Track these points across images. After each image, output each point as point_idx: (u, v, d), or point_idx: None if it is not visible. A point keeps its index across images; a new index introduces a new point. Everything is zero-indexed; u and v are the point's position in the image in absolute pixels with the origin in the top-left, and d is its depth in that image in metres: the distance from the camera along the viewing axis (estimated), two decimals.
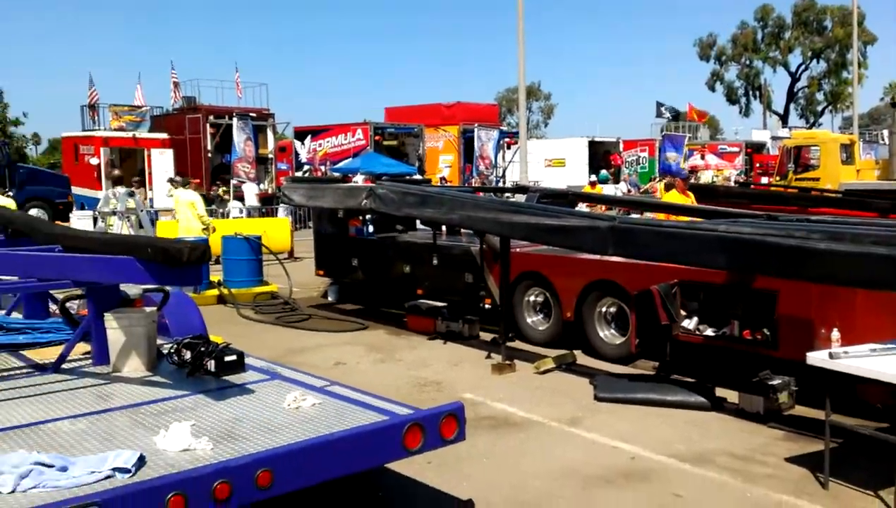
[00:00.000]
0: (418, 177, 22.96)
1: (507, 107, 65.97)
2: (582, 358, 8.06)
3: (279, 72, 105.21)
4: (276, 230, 16.27)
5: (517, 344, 8.63)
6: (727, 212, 9.17)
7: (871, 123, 52.26)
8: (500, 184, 25.85)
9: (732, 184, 25.02)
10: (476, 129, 28.34)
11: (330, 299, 11.86)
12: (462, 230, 10.92)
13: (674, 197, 11.28)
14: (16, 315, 5.94)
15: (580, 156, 32.04)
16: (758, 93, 64.03)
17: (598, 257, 8.10)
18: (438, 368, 7.84)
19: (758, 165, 33.38)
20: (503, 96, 68.48)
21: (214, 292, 11.50)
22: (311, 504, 4.31)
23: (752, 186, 22.78)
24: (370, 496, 4.66)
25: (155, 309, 5.37)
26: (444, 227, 10.66)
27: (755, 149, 35.95)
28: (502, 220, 7.51)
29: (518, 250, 8.85)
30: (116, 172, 14.36)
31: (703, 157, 32.69)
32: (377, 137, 27.92)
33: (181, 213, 12.72)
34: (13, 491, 3.02)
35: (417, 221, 11.61)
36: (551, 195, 11.64)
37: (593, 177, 20.25)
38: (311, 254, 12.71)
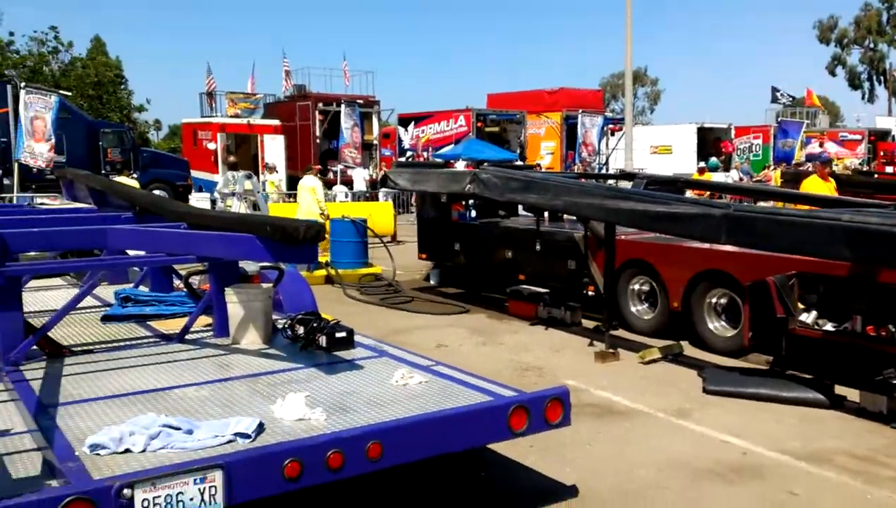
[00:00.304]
0: (519, 163, 22.83)
1: (611, 93, 64.55)
2: (689, 350, 7.82)
3: (385, 60, 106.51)
4: (380, 214, 16.57)
5: (620, 332, 8.46)
6: (850, 201, 8.69)
7: None
8: (604, 172, 25.35)
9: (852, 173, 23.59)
10: (580, 116, 27.84)
11: (432, 282, 12.01)
12: (564, 216, 10.82)
13: (814, 183, 10.66)
14: (143, 288, 6.30)
15: (688, 144, 30.96)
16: (882, 78, 60.04)
17: (707, 246, 7.84)
18: (540, 354, 7.80)
19: (882, 154, 31.33)
20: (608, 82, 67.03)
21: (323, 272, 11.86)
22: (416, 480, 4.42)
23: (876, 176, 21.44)
24: (472, 475, 4.72)
25: (271, 285, 5.61)
26: (546, 213, 10.58)
27: (879, 136, 33.71)
28: (608, 207, 7.36)
29: (623, 237, 8.67)
30: (232, 158, 15.02)
31: (821, 145, 30.93)
32: (479, 124, 27.92)
33: (302, 198, 13.25)
34: (144, 451, 3.23)
35: (520, 207, 11.60)
36: (659, 182, 11.33)
37: (702, 164, 19.55)
38: (413, 238, 12.89)
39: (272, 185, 12.79)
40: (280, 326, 5.35)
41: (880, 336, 6.38)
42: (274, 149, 24.66)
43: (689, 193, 12.04)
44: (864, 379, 6.14)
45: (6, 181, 19.44)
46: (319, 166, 16.93)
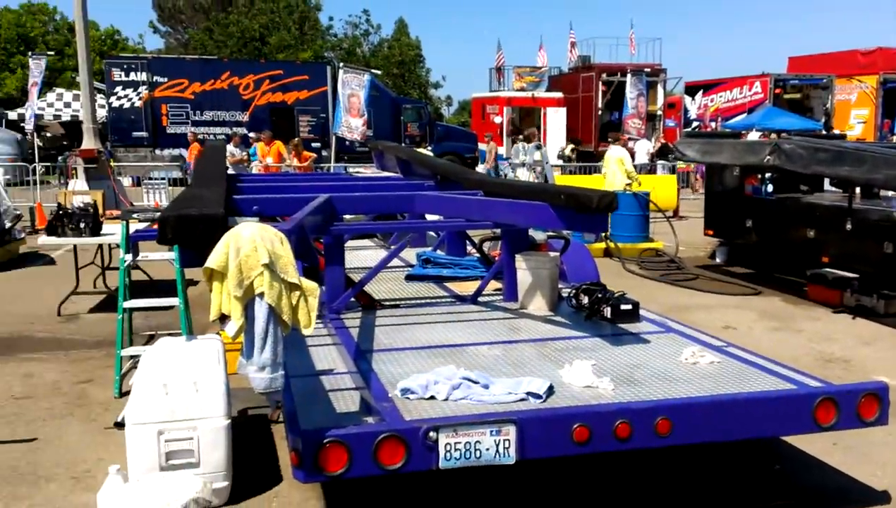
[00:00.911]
0: (823, 132, 20.64)
1: None
2: None
3: (674, 25, 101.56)
4: (663, 187, 16.04)
5: None
6: None
7: None
8: None
9: None
10: None
11: (718, 260, 11.38)
12: (881, 193, 9.60)
13: None
14: (439, 252, 6.79)
15: None
16: None
17: None
18: (846, 344, 7.05)
19: None
20: None
21: (601, 245, 11.83)
22: (701, 462, 4.28)
23: None
24: (764, 466, 4.45)
25: (557, 254, 5.73)
26: (858, 189, 9.47)
27: None
28: None
29: None
30: (529, 130, 15.55)
31: None
32: (777, 90, 25.69)
33: (609, 168, 13.48)
34: (446, 399, 3.50)
35: (826, 182, 10.52)
36: None
37: None
38: (696, 214, 12.32)
39: (620, 162, 13.41)
40: (565, 295, 5.46)
41: None
42: (556, 121, 24.95)
43: None
44: None
45: (324, 152, 21.98)
46: (626, 136, 16.87)
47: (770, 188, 10.76)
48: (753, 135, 16.32)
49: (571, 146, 24.90)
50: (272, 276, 2.99)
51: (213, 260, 2.99)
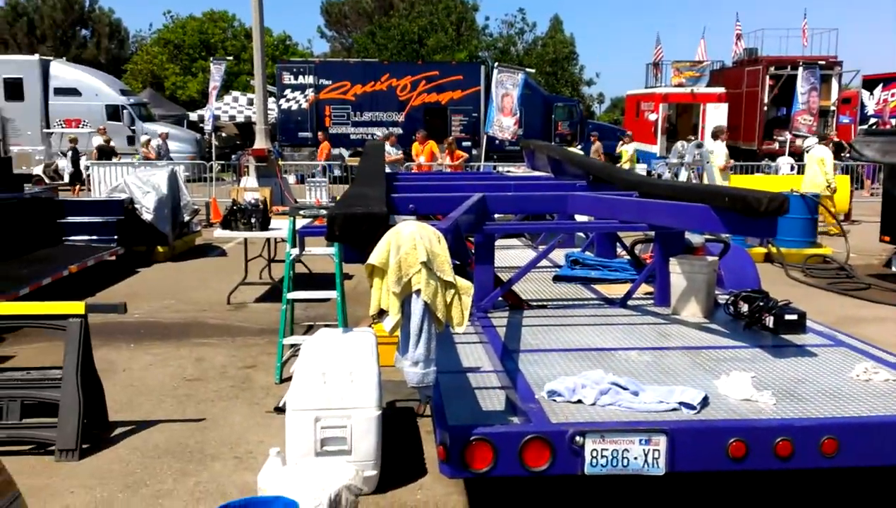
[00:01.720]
0: None
1: None
2: None
3: (853, 14, 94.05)
4: (838, 188, 14.90)
5: None
6: None
7: None
8: None
9: None
10: None
11: (894, 269, 10.43)
12: None
13: None
14: (588, 253, 6.68)
15: None
16: None
17: None
18: None
19: None
20: None
21: (762, 250, 11.17)
22: (863, 488, 3.95)
23: None
24: None
25: (716, 258, 5.47)
26: None
27: None
28: None
29: None
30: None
31: None
32: None
33: (810, 169, 12.93)
34: (594, 404, 3.43)
35: None
36: None
37: None
38: (870, 218, 11.34)
39: (822, 162, 12.69)
40: (722, 301, 5.21)
41: None
42: (716, 118, 23.81)
43: None
44: None
45: (475, 151, 22.26)
46: (833, 136, 16.03)
47: None
48: None
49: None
50: (429, 274, 3.07)
51: (376, 257, 3.11)
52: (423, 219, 4.70)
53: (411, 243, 3.07)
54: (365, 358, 3.99)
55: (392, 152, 16.12)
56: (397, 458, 4.42)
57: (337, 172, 19.49)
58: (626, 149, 18.35)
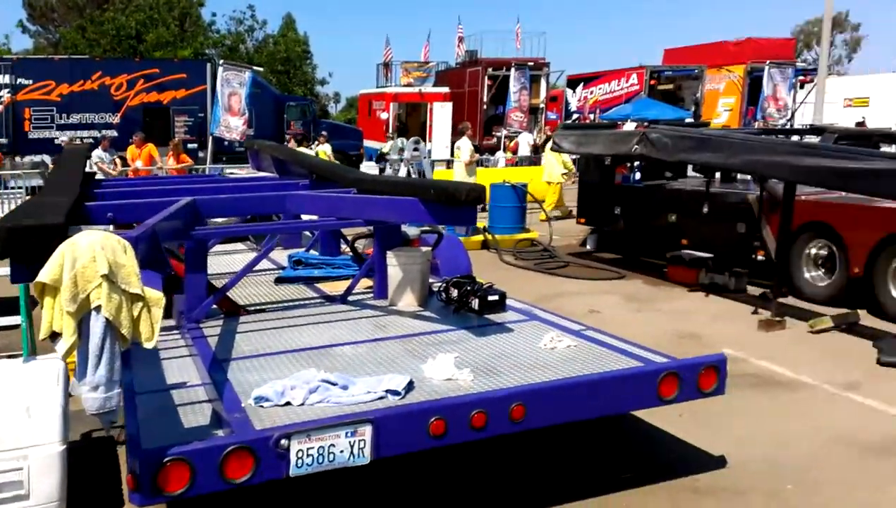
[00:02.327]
0: (689, 121, 21.76)
1: (804, 42, 59.33)
2: (867, 320, 7.23)
3: (560, 20, 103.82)
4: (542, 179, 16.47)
5: (790, 300, 7.96)
6: None
7: None
8: (788, 128, 23.47)
9: None
10: (766, 67, 25.84)
11: (588, 247, 11.80)
12: (738, 177, 10.23)
13: None
14: (313, 252, 6.72)
15: (889, 95, 27.93)
16: None
17: None
18: (699, 321, 7.51)
19: None
20: (801, 30, 61.62)
21: (479, 237, 12.01)
22: (555, 442, 4.46)
23: None
24: (615, 440, 4.69)
25: (429, 249, 5.80)
26: (717, 174, 10.06)
27: None
28: (794, 164, 6.85)
29: (803, 198, 8.10)
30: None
31: None
32: (652, 82, 26.80)
33: (546, 159, 14.25)
34: (302, 404, 3.47)
35: (689, 168, 11.09)
36: (852, 136, 10.39)
37: None
38: (576, 204, 12.73)
39: (322, 154, 13.43)
40: (436, 289, 5.55)
41: None
42: (442, 116, 25.15)
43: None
44: None
45: (201, 154, 21.30)
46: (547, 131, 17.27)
47: (638, 176, 11.28)
48: (630, 126, 16.99)
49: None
50: (111, 288, 2.89)
51: (46, 274, 2.86)
52: (124, 228, 4.43)
53: (90, 255, 2.87)
54: (47, 389, 3.61)
55: (105, 158, 14.92)
56: (91, 495, 4.07)
57: (37, 182, 17.53)
58: (324, 149, 18.41)
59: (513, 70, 23.61)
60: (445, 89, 28.72)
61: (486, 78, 27.73)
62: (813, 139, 10.45)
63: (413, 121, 27.16)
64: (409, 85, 28.98)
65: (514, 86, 23.03)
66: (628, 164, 11.28)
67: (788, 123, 25.80)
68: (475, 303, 5.12)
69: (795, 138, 11.35)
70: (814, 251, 8.27)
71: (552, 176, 15.49)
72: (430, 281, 5.58)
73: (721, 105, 28.32)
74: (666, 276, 9.34)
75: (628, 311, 8.03)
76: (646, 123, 15.03)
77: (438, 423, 3.41)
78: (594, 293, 8.87)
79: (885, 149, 10.61)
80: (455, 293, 5.28)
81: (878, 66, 52.10)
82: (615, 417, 4.46)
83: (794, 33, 57.06)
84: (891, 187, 6.13)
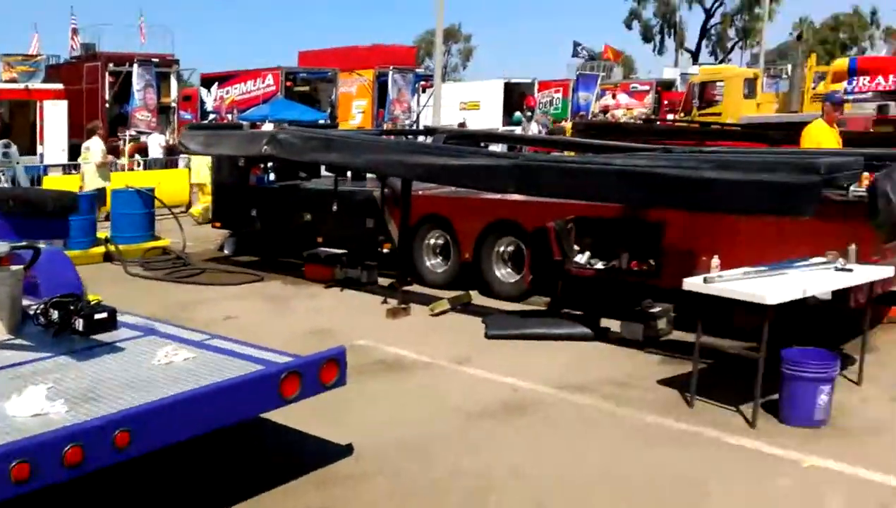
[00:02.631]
0: (322, 122, 22.52)
1: (426, 50, 64.93)
2: (478, 299, 8.12)
3: (188, 16, 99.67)
4: (173, 182, 15.65)
5: (415, 287, 8.61)
6: (628, 147, 9.29)
7: (779, 59, 53.56)
8: (410, 129, 25.55)
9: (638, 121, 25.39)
10: (391, 73, 27.74)
11: (226, 252, 11.39)
12: (368, 175, 10.76)
13: (819, 129, 8.67)
14: None
15: (495, 99, 31.81)
16: (673, 31, 64.80)
17: (499, 197, 8.11)
18: (333, 316, 7.74)
19: (666, 103, 33.82)
20: (422, 38, 67.30)
21: (101, 249, 10.76)
22: (194, 458, 4.24)
23: (657, 123, 23.23)
24: (252, 447, 4.60)
25: (21, 267, 5.10)
26: (349, 173, 10.46)
27: (665, 87, 36.37)
28: (405, 162, 7.43)
29: (420, 193, 8.79)
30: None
31: (614, 97, 32.96)
32: (288, 83, 27.04)
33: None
34: None
35: (323, 168, 11.36)
36: (458, 136, 11.55)
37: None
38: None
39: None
40: (32, 312, 4.89)
41: (642, 270, 6.95)
42: (56, 115, 22.59)
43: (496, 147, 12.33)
44: (626, 310, 6.67)
45: None
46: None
47: (272, 177, 11.24)
48: (268, 126, 16.92)
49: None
50: None
51: None
52: None
53: None
54: None
55: None
56: None
57: None
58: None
59: (136, 66, 22.06)
60: (59, 86, 25.77)
61: (106, 74, 25.50)
62: (428, 139, 11.41)
63: (20, 122, 23.92)
64: (13, 80, 25.47)
65: (137, 83, 21.55)
66: (262, 165, 11.19)
67: (414, 124, 28.07)
68: (80, 324, 4.59)
69: (411, 138, 12.32)
70: (432, 241, 9.03)
71: (200, 176, 14.69)
72: (27, 303, 4.92)
73: (355, 107, 29.74)
74: (304, 275, 9.45)
75: (266, 314, 7.97)
76: (284, 124, 15.10)
77: (22, 467, 3.00)
78: (231, 298, 8.66)
79: (492, 148, 12.07)
80: (56, 314, 4.69)
81: (489, 74, 59.33)
82: (251, 421, 4.36)
83: (416, 42, 62.29)
84: (482, 181, 6.94)
